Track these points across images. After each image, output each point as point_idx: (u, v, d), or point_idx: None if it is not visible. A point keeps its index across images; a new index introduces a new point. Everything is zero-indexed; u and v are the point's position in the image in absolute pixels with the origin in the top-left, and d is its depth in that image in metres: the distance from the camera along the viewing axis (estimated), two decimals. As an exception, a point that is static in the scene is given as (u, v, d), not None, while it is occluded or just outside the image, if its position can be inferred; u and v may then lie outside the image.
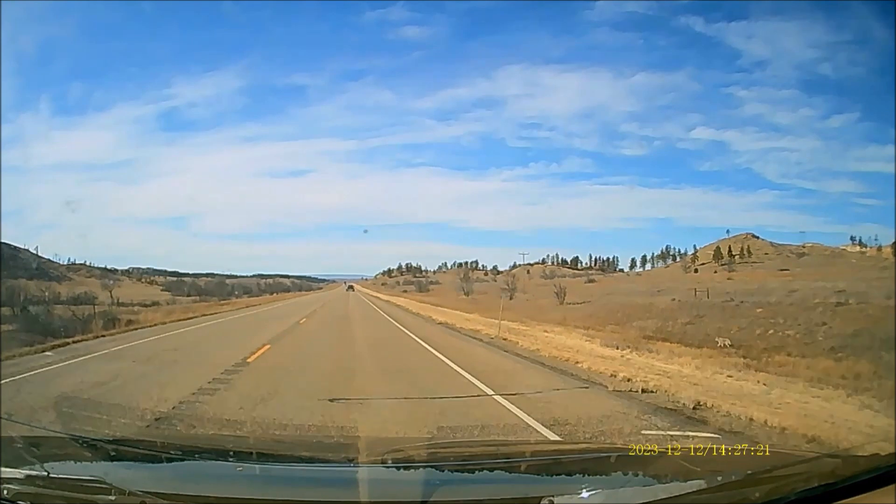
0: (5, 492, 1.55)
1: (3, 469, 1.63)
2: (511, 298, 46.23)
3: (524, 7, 67.31)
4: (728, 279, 58.21)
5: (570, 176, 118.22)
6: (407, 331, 18.10)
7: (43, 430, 3.19)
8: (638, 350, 11.55)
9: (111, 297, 46.82)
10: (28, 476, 1.62)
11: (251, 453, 2.48)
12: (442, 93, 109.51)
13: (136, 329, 18.53)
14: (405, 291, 79.46)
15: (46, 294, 23.41)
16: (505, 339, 14.52)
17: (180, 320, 22.89)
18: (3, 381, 7.76)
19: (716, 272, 78.12)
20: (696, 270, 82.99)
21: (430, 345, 13.48)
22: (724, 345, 13.21)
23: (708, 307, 23.43)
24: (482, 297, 52.80)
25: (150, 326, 19.79)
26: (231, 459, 2.29)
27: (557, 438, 5.03)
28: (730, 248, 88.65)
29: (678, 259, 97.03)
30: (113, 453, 2.26)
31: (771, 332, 15.58)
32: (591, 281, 71.50)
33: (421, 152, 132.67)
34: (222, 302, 45.18)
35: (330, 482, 2.12)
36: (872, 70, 55.29)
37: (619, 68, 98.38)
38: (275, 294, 77.93)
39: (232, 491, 1.83)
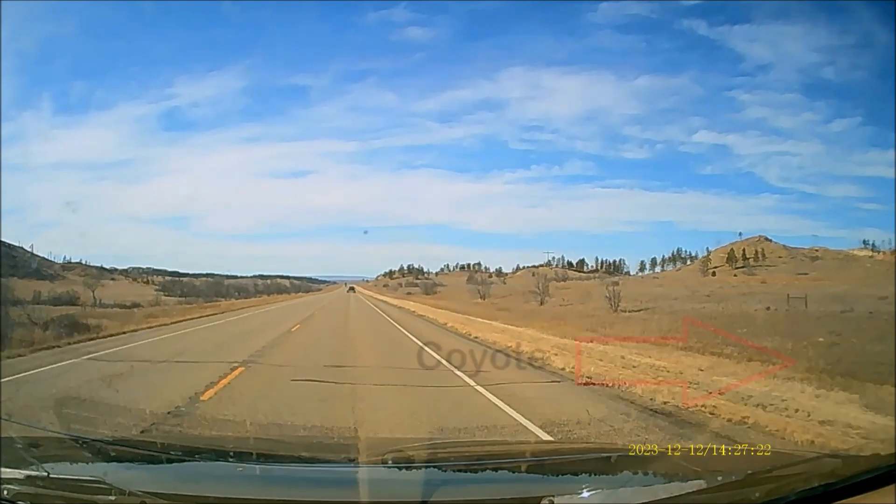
0: (5, 492, 1.56)
1: (3, 469, 1.64)
2: (542, 304, 43.03)
3: (527, 9, 67.74)
4: (762, 283, 56.18)
5: (572, 179, 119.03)
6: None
7: (43, 430, 3.21)
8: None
9: (94, 297, 46.13)
10: (28, 476, 1.63)
11: (251, 454, 2.49)
12: (444, 94, 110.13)
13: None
14: (409, 294, 76.85)
15: (3, 294, 21.94)
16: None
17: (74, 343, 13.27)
18: None
19: (735, 275, 77.12)
20: (713, 273, 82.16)
21: None
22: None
23: (832, 320, 18.06)
24: (503, 300, 48.71)
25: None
26: (231, 460, 2.30)
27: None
28: (744, 251, 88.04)
29: (689, 262, 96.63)
30: (113, 453, 2.28)
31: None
32: (613, 284, 69.76)
33: (423, 154, 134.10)
34: (206, 304, 42.61)
35: (330, 482, 2.12)
36: (874, 74, 55.21)
37: (622, 71, 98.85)
38: (270, 295, 76.12)
39: (232, 491, 1.84)
